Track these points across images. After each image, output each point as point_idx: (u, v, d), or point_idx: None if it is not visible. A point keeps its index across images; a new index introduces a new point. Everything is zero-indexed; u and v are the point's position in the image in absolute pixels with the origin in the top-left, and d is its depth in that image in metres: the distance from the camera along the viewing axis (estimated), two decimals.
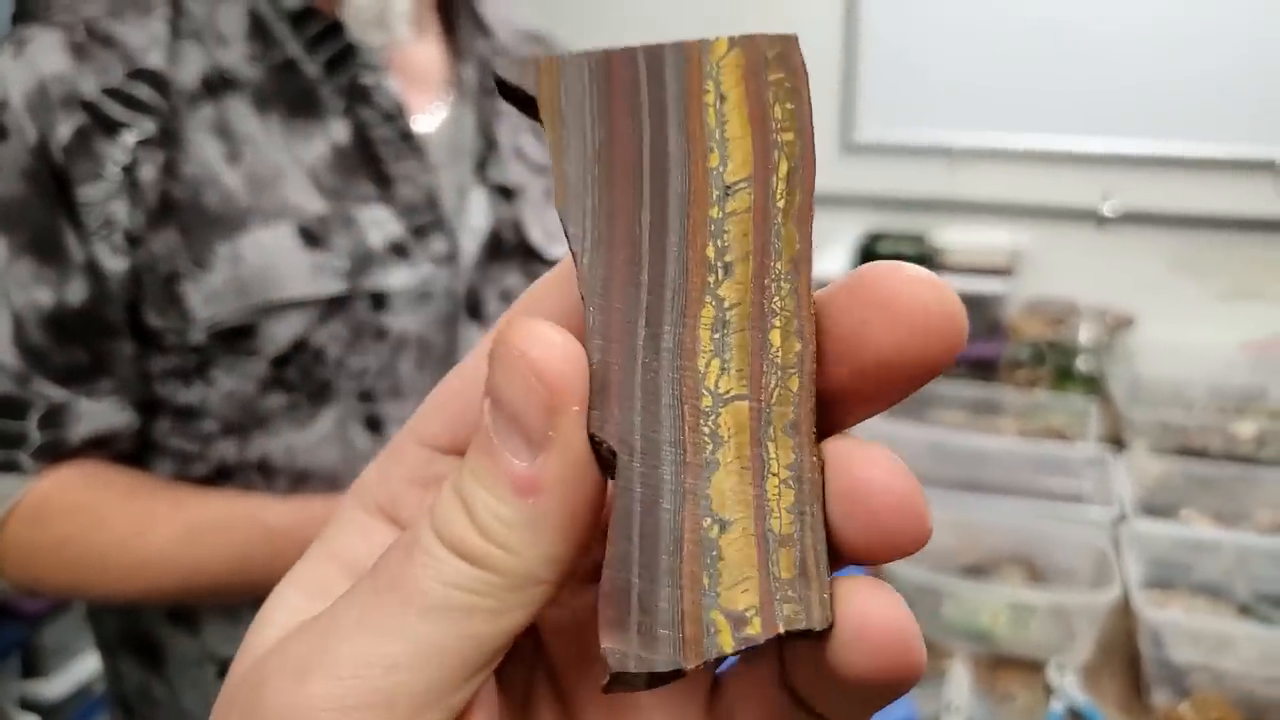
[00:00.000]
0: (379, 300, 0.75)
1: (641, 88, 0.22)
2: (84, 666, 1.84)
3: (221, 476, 0.75)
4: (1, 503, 0.70)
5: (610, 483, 0.20)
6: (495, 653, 0.20)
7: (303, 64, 0.75)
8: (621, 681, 0.18)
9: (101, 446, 0.73)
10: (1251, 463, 1.59)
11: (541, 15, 1.02)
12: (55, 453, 0.71)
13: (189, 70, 0.72)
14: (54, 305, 0.69)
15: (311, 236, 0.73)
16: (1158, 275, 2.21)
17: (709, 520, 0.19)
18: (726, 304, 0.20)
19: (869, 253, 2.23)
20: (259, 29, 0.74)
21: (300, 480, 0.75)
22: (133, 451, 0.75)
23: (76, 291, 0.69)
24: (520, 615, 0.20)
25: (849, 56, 2.31)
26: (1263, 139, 2.10)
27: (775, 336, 0.20)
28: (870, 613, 0.18)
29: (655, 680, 0.18)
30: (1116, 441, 1.69)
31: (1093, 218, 2.23)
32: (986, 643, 1.17)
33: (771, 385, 0.20)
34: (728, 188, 0.21)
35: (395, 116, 0.78)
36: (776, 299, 0.20)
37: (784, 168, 0.21)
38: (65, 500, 0.71)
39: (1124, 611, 1.17)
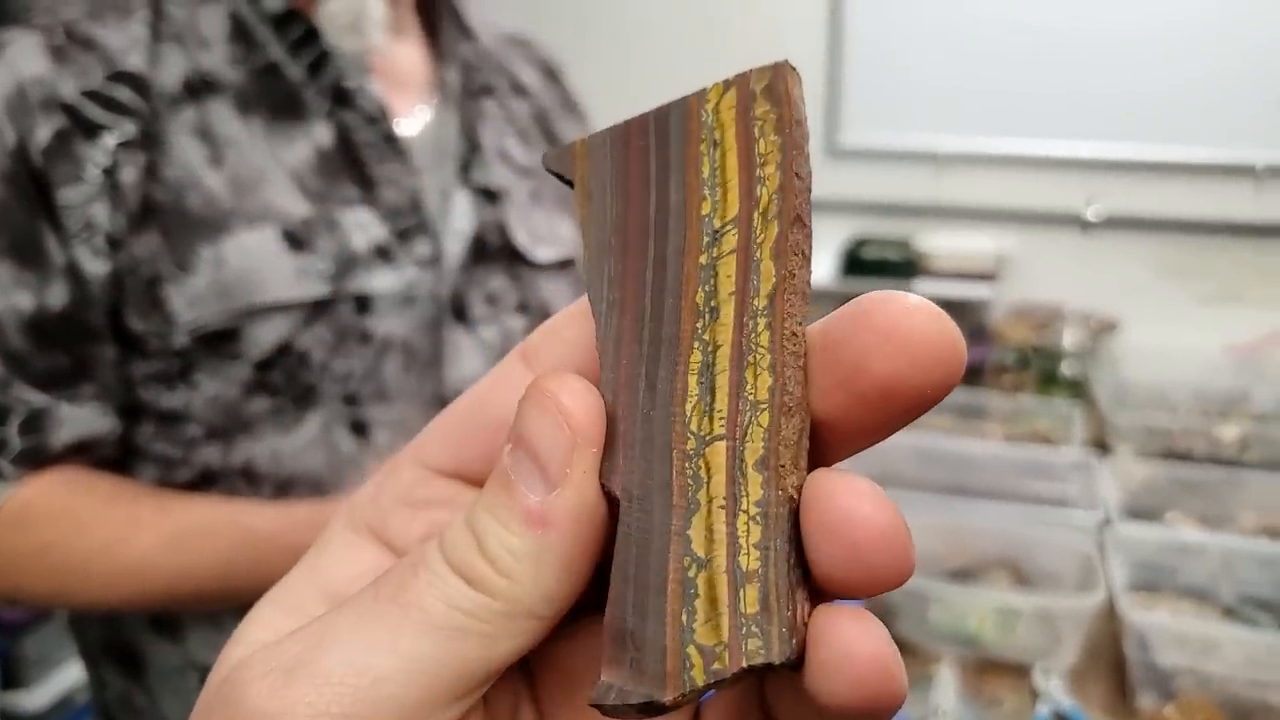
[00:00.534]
0: (363, 303, 0.75)
1: (651, 153, 0.23)
2: (66, 676, 1.82)
3: (205, 482, 0.74)
4: None
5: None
6: (483, 679, 0.20)
7: (285, 67, 0.75)
8: (605, 712, 0.19)
9: (84, 452, 0.72)
10: (1235, 465, 1.60)
11: (528, 19, 1.02)
12: (36, 459, 0.70)
13: (170, 73, 0.71)
14: (34, 309, 0.68)
15: (295, 239, 0.72)
16: (1141, 279, 2.23)
17: (689, 560, 0.20)
18: (712, 347, 0.21)
19: (854, 257, 2.24)
20: (240, 32, 0.74)
21: (285, 485, 0.75)
22: (115, 457, 0.74)
23: (57, 295, 0.68)
24: (511, 645, 0.20)
25: (834, 61, 2.32)
26: (1243, 144, 2.11)
27: (750, 374, 0.20)
28: (852, 643, 0.18)
29: (642, 711, 0.19)
30: (1101, 445, 1.70)
31: (1077, 222, 2.24)
32: (973, 647, 1.17)
33: (745, 422, 0.20)
34: (716, 232, 0.21)
35: (378, 119, 0.77)
36: (753, 335, 0.20)
37: (763, 202, 0.21)
38: (47, 507, 0.70)
39: (1109, 615, 1.17)
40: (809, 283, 0.21)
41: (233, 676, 0.21)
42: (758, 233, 0.21)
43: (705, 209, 0.21)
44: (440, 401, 0.80)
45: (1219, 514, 1.43)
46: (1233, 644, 1.10)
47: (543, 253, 0.88)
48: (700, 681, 0.19)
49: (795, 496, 0.19)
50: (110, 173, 0.68)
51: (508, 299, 0.85)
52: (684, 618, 0.19)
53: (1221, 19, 2.07)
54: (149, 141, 0.70)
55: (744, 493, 0.19)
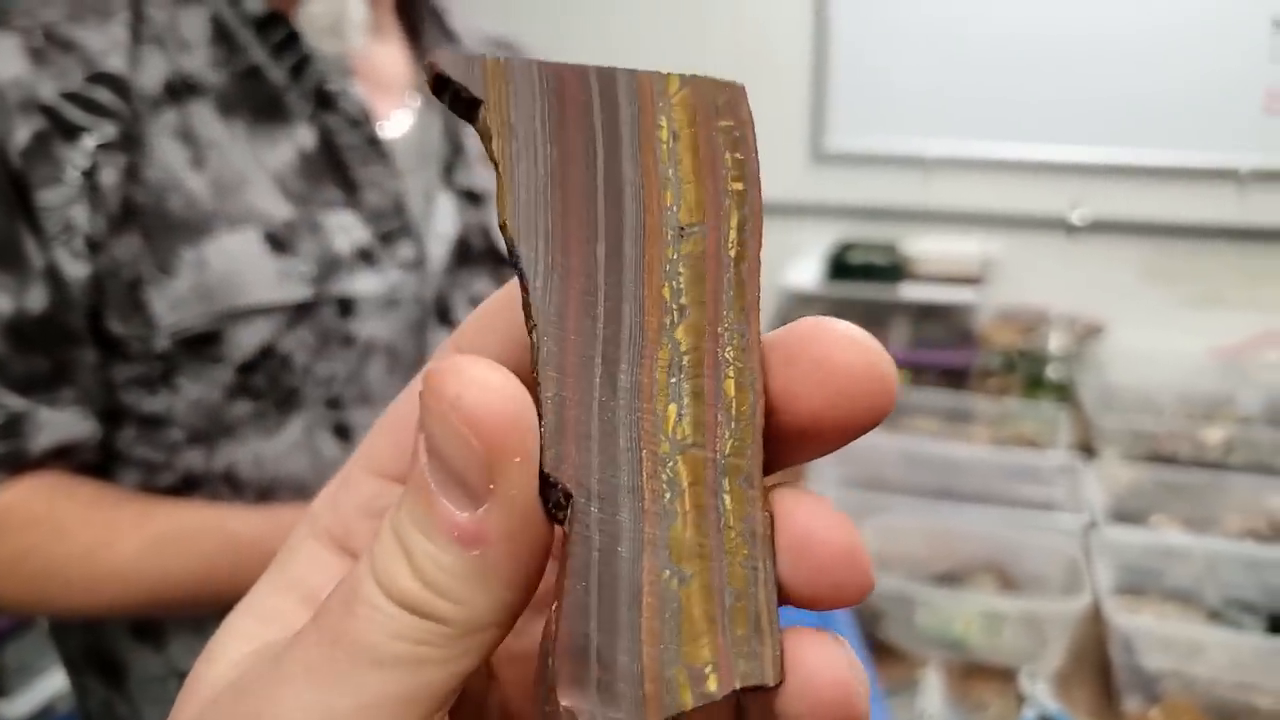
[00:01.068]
0: (346, 306, 0.75)
1: (595, 110, 0.21)
2: (48, 685, 1.81)
3: (188, 486, 0.74)
4: None
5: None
6: (447, 696, 0.19)
7: (267, 70, 0.74)
8: None
9: (64, 457, 0.71)
10: (1220, 468, 1.61)
11: (508, 22, 1.02)
12: (15, 464, 0.69)
13: (151, 75, 0.71)
14: (13, 312, 0.68)
15: (278, 242, 0.72)
16: (1126, 283, 2.24)
17: (668, 573, 0.18)
18: (682, 348, 0.20)
19: (840, 262, 2.24)
20: (222, 34, 0.74)
21: (268, 489, 0.74)
22: (97, 462, 0.74)
23: (36, 298, 0.68)
24: (471, 660, 0.19)
25: (819, 66, 2.32)
26: (1227, 148, 2.12)
27: (729, 387, 0.20)
28: (817, 668, 0.18)
29: None
30: (1087, 449, 1.70)
31: (1062, 226, 2.25)
32: (959, 650, 1.17)
33: (726, 436, 0.19)
34: (681, 229, 0.21)
35: (361, 122, 0.77)
36: (729, 349, 0.20)
37: (735, 217, 0.21)
38: (26, 512, 0.69)
39: (1095, 618, 1.17)
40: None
41: None
42: (729, 246, 0.21)
43: (668, 199, 0.21)
44: None
45: (1204, 517, 1.44)
46: (1218, 647, 1.11)
47: None
48: (689, 704, 0.18)
49: (772, 519, 0.19)
50: (90, 175, 0.68)
51: None
52: (665, 635, 0.18)
53: (1205, 24, 2.08)
54: (129, 143, 0.69)
55: (727, 508, 0.19)
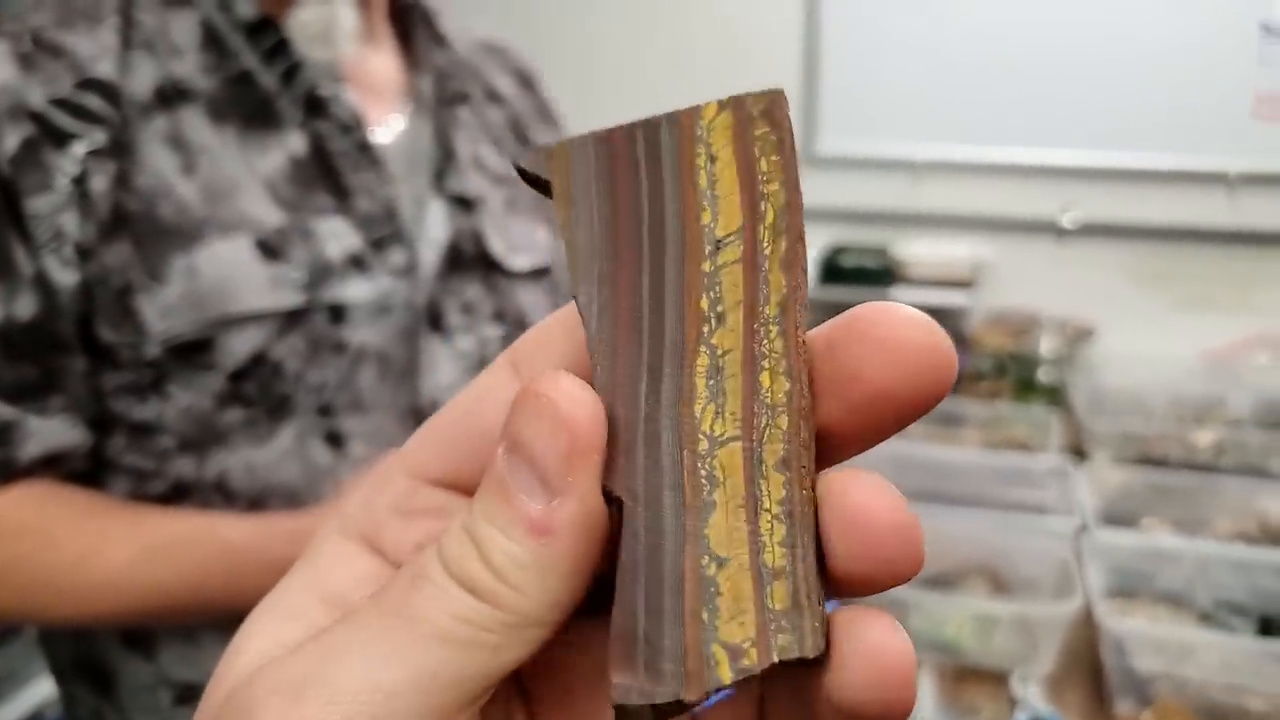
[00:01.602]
0: (337, 313, 0.74)
1: (640, 163, 0.23)
2: (36, 692, 1.80)
3: (179, 495, 0.73)
4: None
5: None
6: (489, 687, 0.20)
7: (258, 75, 0.74)
8: (626, 714, 0.19)
9: (53, 465, 0.71)
10: (1210, 471, 1.61)
11: (499, 27, 1.02)
12: (5, 472, 0.69)
13: (141, 81, 0.70)
14: (2, 320, 0.67)
15: (269, 249, 0.72)
16: (1117, 286, 2.24)
17: (707, 559, 0.20)
18: (720, 351, 0.21)
19: (831, 265, 2.24)
20: (213, 40, 0.73)
21: (260, 497, 0.74)
22: (87, 470, 0.73)
23: (25, 306, 0.67)
24: (518, 653, 0.20)
25: (810, 70, 2.32)
26: (1216, 151, 2.13)
27: (765, 378, 0.21)
28: (885, 644, 0.19)
29: (659, 713, 0.19)
30: (1078, 452, 1.71)
31: (1052, 230, 2.25)
32: (951, 654, 1.17)
33: (763, 425, 0.20)
34: (719, 242, 0.22)
35: (353, 128, 0.77)
36: (765, 342, 0.21)
37: (769, 217, 0.22)
38: (16, 521, 0.69)
39: (1087, 621, 1.17)
40: (808, 295, 0.22)
41: (239, 694, 0.20)
42: (765, 245, 0.22)
43: (705, 219, 0.22)
44: (415, 411, 0.79)
45: (1195, 519, 1.44)
46: (1209, 649, 1.11)
47: (518, 261, 0.87)
48: (728, 679, 0.19)
49: (814, 497, 0.20)
50: (80, 181, 0.67)
51: (483, 308, 0.84)
52: (705, 616, 0.19)
53: (1194, 28, 2.09)
54: (119, 150, 0.69)
55: (765, 493, 0.20)
